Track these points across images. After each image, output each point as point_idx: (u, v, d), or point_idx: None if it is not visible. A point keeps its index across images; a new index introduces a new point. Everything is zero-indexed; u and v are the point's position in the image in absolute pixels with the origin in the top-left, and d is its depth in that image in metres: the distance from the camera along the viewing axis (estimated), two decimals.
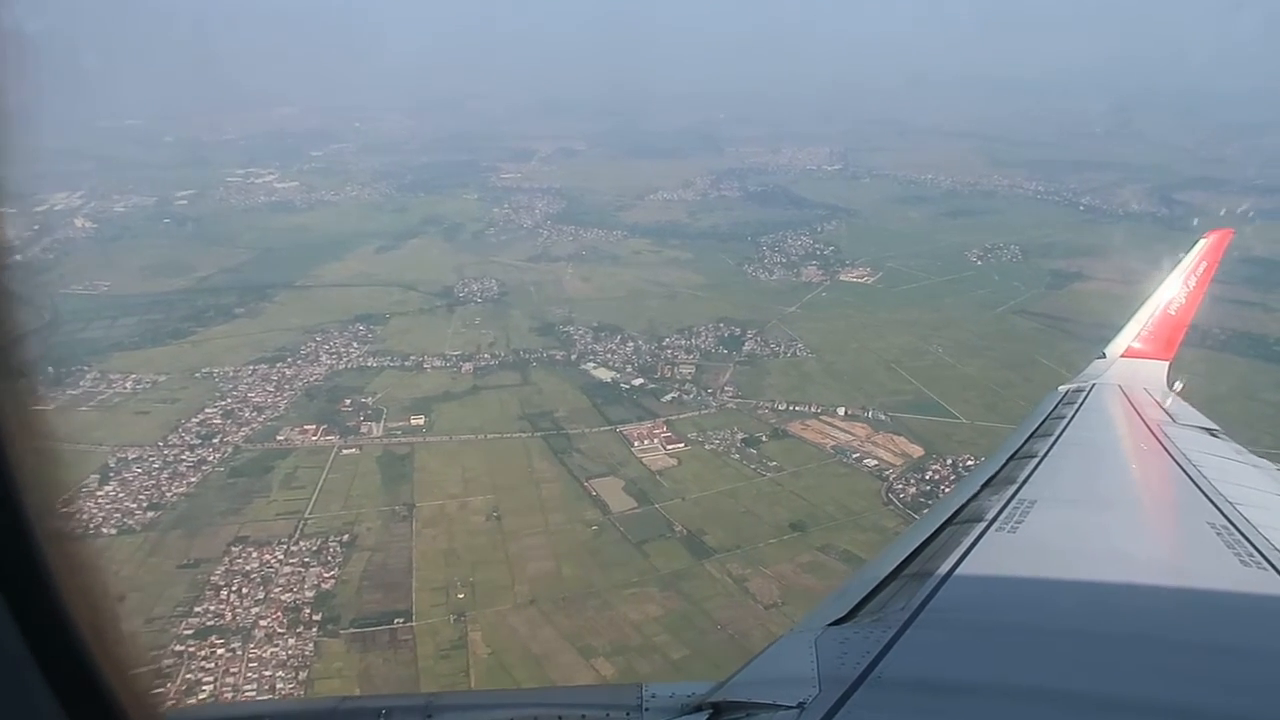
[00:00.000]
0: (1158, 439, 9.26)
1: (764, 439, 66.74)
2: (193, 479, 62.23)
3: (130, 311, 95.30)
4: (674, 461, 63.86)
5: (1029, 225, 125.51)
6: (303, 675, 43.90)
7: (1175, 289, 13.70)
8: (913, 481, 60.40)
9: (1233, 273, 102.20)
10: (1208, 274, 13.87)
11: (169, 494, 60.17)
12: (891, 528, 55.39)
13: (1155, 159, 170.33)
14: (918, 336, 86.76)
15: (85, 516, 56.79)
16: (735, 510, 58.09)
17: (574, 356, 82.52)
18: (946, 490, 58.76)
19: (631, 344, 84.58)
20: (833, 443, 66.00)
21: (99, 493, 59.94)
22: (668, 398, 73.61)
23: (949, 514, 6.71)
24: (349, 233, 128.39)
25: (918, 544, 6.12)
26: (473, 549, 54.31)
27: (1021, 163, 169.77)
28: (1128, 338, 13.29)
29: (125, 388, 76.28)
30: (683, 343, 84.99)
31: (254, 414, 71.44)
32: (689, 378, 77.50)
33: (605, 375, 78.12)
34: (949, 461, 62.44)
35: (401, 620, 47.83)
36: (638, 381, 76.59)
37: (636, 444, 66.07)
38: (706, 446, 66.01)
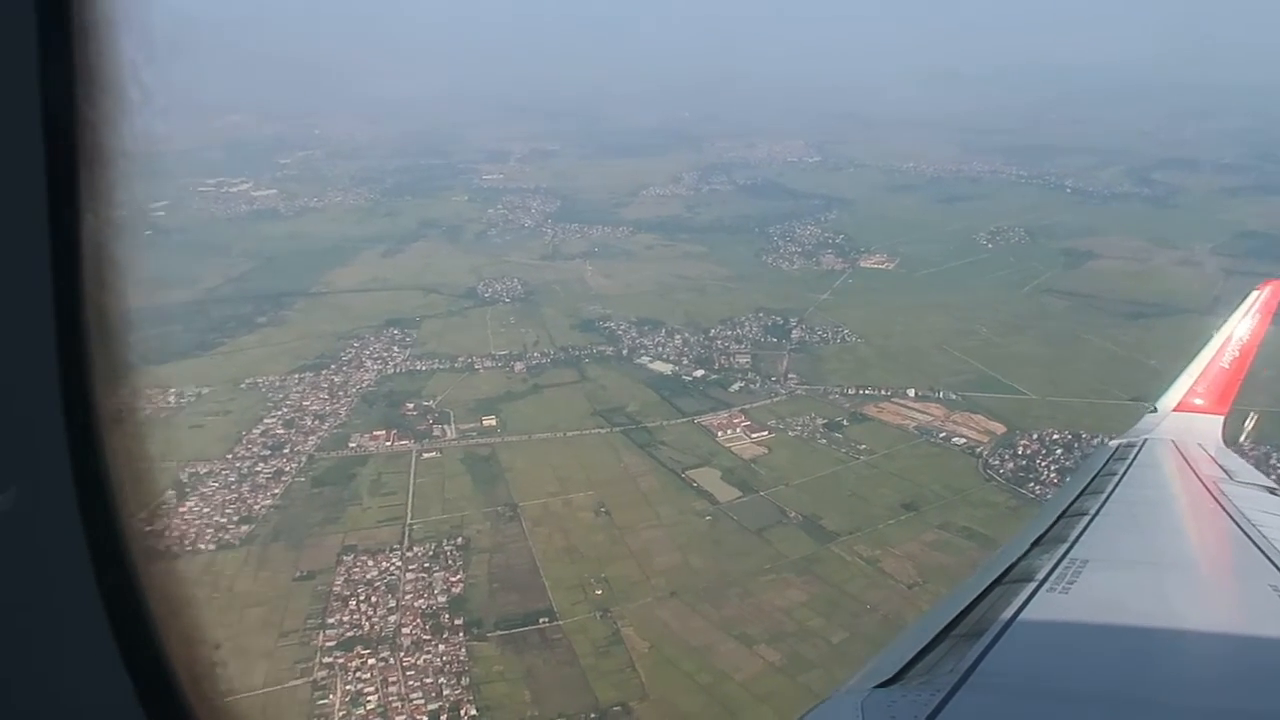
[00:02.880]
0: (1214, 497, 8.92)
1: (845, 423, 67.17)
2: (276, 490, 60.22)
3: (143, 325, 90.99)
4: (763, 450, 63.83)
5: (1024, 209, 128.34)
6: (465, 681, 42.79)
7: (1228, 341, 13.31)
8: (1007, 457, 61.30)
9: (1234, 247, 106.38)
10: (1262, 326, 13.43)
11: (256, 507, 58.19)
12: (1001, 503, 56.31)
13: (1121, 143, 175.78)
14: (956, 318, 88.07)
15: (175, 533, 54.70)
16: (842, 494, 58.30)
17: (625, 351, 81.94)
18: (1043, 463, 60.01)
19: (679, 337, 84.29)
20: (913, 423, 66.69)
21: (181, 509, 57.68)
22: (735, 387, 73.61)
23: (998, 573, 6.58)
24: (346, 238, 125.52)
25: (967, 603, 5.99)
26: (592, 545, 53.60)
27: (994, 149, 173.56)
28: (1180, 391, 12.79)
29: (169, 402, 73.16)
30: (729, 333, 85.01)
31: (316, 422, 69.40)
32: (748, 367, 77.61)
33: (664, 368, 77.73)
34: (1035, 436, 63.54)
35: (546, 620, 46.97)
36: (699, 373, 76.41)
37: (720, 434, 65.90)
38: (790, 433, 66.14)
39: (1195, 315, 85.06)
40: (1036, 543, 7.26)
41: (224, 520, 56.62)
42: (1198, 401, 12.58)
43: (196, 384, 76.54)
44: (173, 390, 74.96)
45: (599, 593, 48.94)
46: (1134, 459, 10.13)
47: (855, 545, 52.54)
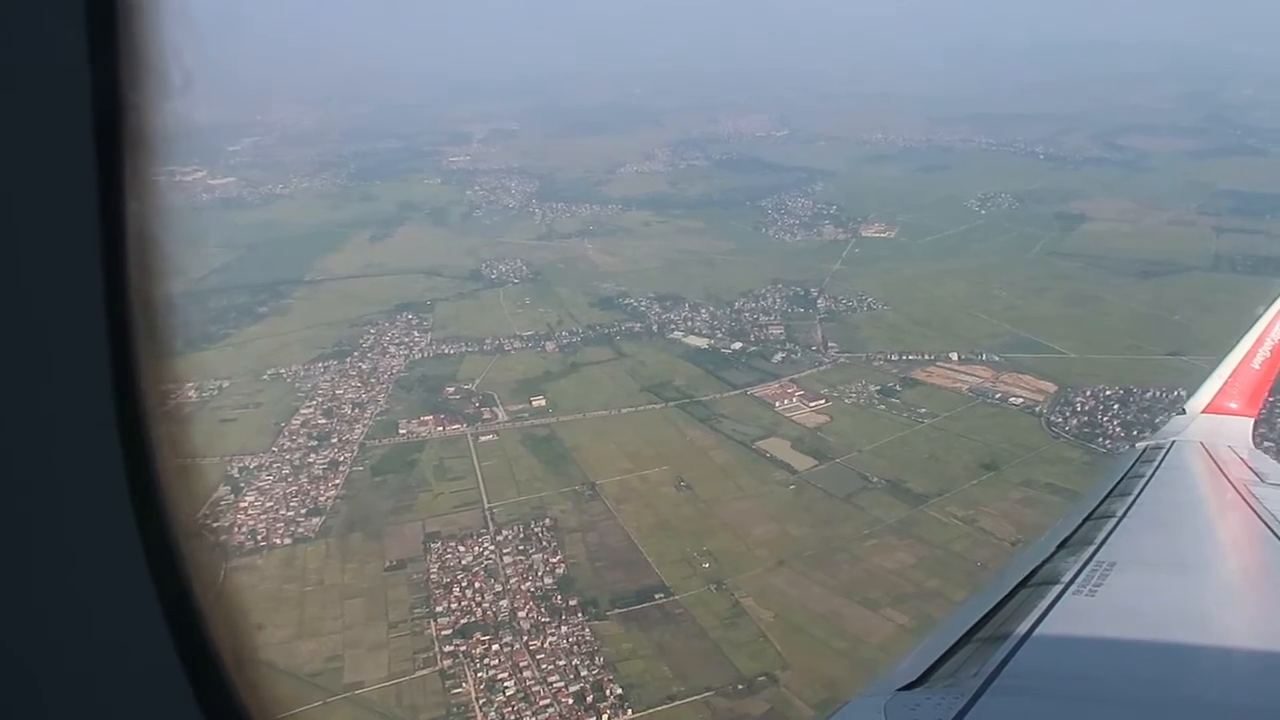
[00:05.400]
0: (1244, 499, 8.73)
1: (898, 389, 67.52)
2: (336, 481, 58.16)
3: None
4: (825, 418, 63.75)
5: (1005, 175, 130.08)
6: (599, 660, 41.85)
7: (1259, 342, 12.86)
8: (1068, 414, 62.21)
9: (1216, 206, 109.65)
10: None
11: (322, 498, 56.06)
12: (1076, 458, 57.16)
13: (1078, 108, 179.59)
14: (973, 283, 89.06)
15: (235, 527, 52.55)
16: (918, 457, 58.50)
17: (654, 327, 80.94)
18: (1104, 418, 61.00)
19: (704, 311, 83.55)
20: (966, 386, 67.28)
21: (242, 504, 55.33)
22: (777, 358, 73.32)
23: (1023, 575, 6.51)
24: (326, 224, 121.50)
25: (991, 606, 5.93)
26: (684, 519, 52.92)
27: (958, 119, 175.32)
28: (1209, 393, 12.43)
29: (190, 396, 69.92)
30: (753, 305, 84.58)
31: (357, 411, 67.12)
32: (784, 338, 77.35)
33: (699, 342, 77.07)
34: (1088, 393, 64.52)
35: (661, 596, 46.27)
36: (736, 346, 75.92)
37: (777, 404, 65.62)
38: (846, 400, 66.17)
39: (1201, 272, 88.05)
40: (1062, 545, 7.12)
41: (291, 514, 54.50)
42: (1228, 403, 12.22)
43: (215, 377, 73.13)
44: (191, 384, 71.61)
45: (706, 566, 48.33)
46: (1161, 461, 9.89)
47: (947, 506, 52.81)
